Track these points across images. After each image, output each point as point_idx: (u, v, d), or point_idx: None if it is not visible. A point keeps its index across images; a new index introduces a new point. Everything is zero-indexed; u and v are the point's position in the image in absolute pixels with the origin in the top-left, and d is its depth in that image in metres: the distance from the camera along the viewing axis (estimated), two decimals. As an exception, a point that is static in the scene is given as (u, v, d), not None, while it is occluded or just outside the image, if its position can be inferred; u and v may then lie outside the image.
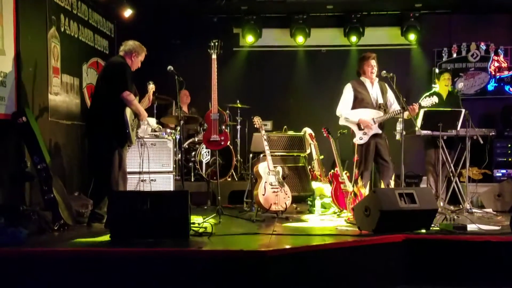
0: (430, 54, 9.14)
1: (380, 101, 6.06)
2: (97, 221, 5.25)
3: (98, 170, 5.35)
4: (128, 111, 5.16)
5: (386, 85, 6.10)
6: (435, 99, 5.85)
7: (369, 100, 6.04)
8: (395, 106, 6.11)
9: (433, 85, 8.71)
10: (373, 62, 6.05)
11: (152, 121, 6.98)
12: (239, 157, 8.10)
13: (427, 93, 7.10)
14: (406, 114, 5.69)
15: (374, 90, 6.09)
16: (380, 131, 5.96)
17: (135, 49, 5.39)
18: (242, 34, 9.13)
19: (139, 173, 6.48)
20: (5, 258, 3.94)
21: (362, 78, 6.14)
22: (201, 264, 3.93)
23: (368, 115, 5.94)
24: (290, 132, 7.65)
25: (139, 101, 5.47)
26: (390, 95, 6.14)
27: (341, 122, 6.13)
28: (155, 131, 6.85)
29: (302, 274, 4.09)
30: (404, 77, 8.44)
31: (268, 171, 5.93)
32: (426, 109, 6.04)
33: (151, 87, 5.72)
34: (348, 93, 6.11)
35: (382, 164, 6.00)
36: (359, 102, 6.04)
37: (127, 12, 7.99)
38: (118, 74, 5.17)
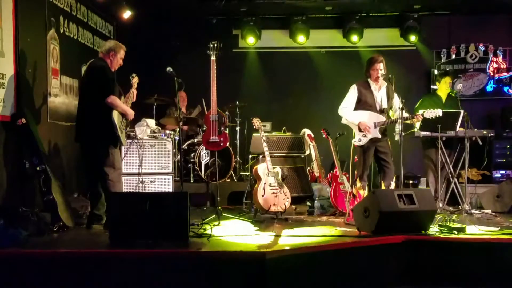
0: (429, 55, 9.16)
1: (385, 105, 6.03)
2: (96, 222, 5.25)
3: (93, 172, 5.35)
4: (115, 114, 5.17)
5: (393, 89, 6.03)
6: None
7: (373, 104, 6.01)
8: (399, 113, 6.06)
9: (432, 86, 8.74)
10: (380, 66, 5.93)
11: (151, 122, 6.98)
12: (238, 158, 8.10)
13: (426, 96, 7.11)
14: (405, 116, 5.68)
15: (379, 93, 6.06)
16: (379, 136, 5.94)
17: (112, 47, 5.37)
18: (242, 35, 9.13)
19: (138, 174, 6.49)
20: (5, 259, 3.95)
21: (369, 81, 6.10)
22: (200, 266, 3.93)
23: (369, 118, 5.93)
24: (289, 133, 7.65)
25: (125, 96, 5.49)
26: (396, 100, 6.09)
27: (343, 121, 6.13)
28: (154, 132, 6.85)
29: (301, 275, 4.10)
30: (403, 78, 8.44)
31: (267, 172, 5.94)
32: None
33: (135, 80, 5.65)
34: (352, 94, 6.08)
35: (384, 166, 6.00)
36: (363, 104, 6.02)
37: (127, 14, 7.99)
38: (99, 79, 5.16)
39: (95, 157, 5.23)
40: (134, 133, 6.50)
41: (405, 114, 5.69)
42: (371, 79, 6.05)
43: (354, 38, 8.95)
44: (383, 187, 5.83)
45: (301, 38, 9.00)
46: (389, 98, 6.07)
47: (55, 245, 4.48)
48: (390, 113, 6.13)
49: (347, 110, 6.02)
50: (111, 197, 4.76)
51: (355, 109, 6.04)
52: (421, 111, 5.91)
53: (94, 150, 5.23)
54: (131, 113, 5.41)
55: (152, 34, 8.82)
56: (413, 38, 8.90)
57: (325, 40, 9.38)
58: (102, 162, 5.16)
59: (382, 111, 6.01)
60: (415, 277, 4.47)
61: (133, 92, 5.59)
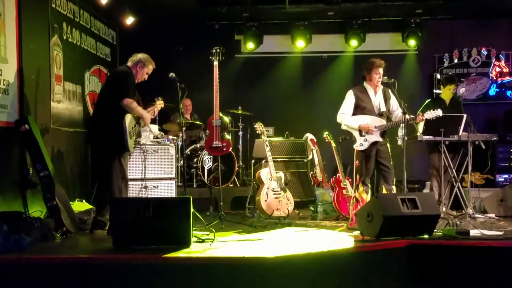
0: (431, 59, 9.16)
1: (383, 108, 6.04)
2: (99, 228, 5.26)
3: (100, 177, 5.37)
4: (127, 118, 5.16)
5: (390, 91, 6.05)
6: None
7: (371, 108, 6.02)
8: (398, 113, 6.07)
9: (434, 90, 8.74)
10: (381, 70, 5.99)
11: (155, 128, 7.00)
12: (241, 163, 8.11)
13: (430, 100, 7.11)
14: (407, 119, 5.68)
15: (377, 97, 6.07)
16: (381, 139, 5.94)
17: (142, 60, 5.41)
18: (244, 40, 9.15)
19: (142, 179, 6.49)
20: (8, 265, 3.95)
21: (366, 85, 6.09)
22: (203, 271, 3.93)
23: (369, 122, 5.93)
24: (292, 138, 7.65)
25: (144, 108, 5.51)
26: (394, 101, 6.09)
27: (343, 127, 6.15)
28: (157, 137, 6.86)
29: (304, 280, 4.08)
30: (405, 82, 8.47)
31: (270, 177, 5.94)
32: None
33: (160, 103, 5.74)
34: (349, 99, 6.09)
35: (383, 170, 6.00)
36: (361, 109, 6.03)
37: (129, 20, 8.04)
38: (119, 81, 5.20)
39: (103, 161, 5.24)
40: (137, 139, 6.51)
41: (407, 117, 5.69)
42: (370, 83, 6.04)
43: (356, 43, 8.96)
44: (384, 191, 5.83)
45: (303, 43, 9.02)
46: (386, 100, 6.08)
47: (58, 251, 4.49)
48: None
49: (346, 116, 6.03)
50: (114, 203, 4.76)
51: (354, 114, 6.04)
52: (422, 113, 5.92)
53: (102, 153, 5.25)
54: (147, 117, 5.41)
55: (155, 40, 8.84)
56: (415, 42, 8.91)
57: (327, 45, 9.40)
58: (109, 167, 5.16)
59: (381, 114, 6.02)
60: (418, 281, 4.45)
61: (154, 111, 5.63)
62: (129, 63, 5.44)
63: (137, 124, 5.38)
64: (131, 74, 5.32)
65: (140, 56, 5.45)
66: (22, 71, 5.46)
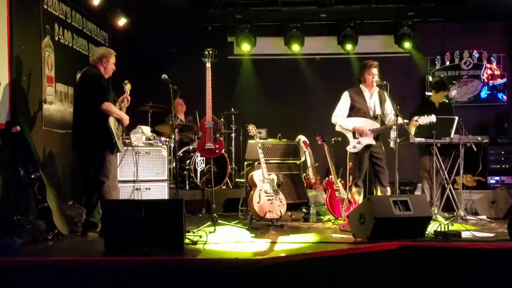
0: (423, 62, 9.21)
1: (378, 111, 6.05)
2: (91, 229, 5.24)
3: (90, 179, 5.34)
4: (111, 121, 5.19)
5: (386, 94, 6.06)
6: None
7: (366, 110, 6.03)
8: (391, 117, 6.08)
9: (426, 93, 8.78)
10: (375, 71, 5.97)
11: (147, 129, 6.98)
12: (233, 165, 8.10)
13: (420, 104, 7.14)
14: (399, 121, 5.70)
15: (372, 100, 6.07)
16: (374, 142, 5.95)
17: (104, 54, 5.43)
18: (237, 42, 9.15)
19: (134, 181, 6.47)
20: (-1, 268, 3.93)
21: (362, 87, 6.10)
22: (196, 273, 3.92)
23: (364, 124, 5.94)
24: (285, 140, 7.66)
25: (118, 101, 5.53)
26: (388, 105, 6.10)
27: (337, 128, 6.14)
28: (149, 139, 6.84)
29: (297, 282, 4.09)
30: (398, 85, 8.46)
31: (262, 179, 5.93)
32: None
33: (128, 87, 5.70)
34: (345, 101, 6.09)
35: (378, 171, 6.00)
36: (356, 111, 6.03)
37: (121, 21, 8.01)
38: (94, 87, 5.20)
39: (92, 165, 5.23)
40: (129, 140, 6.49)
41: (401, 121, 5.70)
42: (365, 84, 6.06)
43: (349, 45, 9.00)
44: (379, 192, 5.84)
45: (296, 46, 9.04)
46: (382, 103, 6.09)
47: (50, 253, 4.47)
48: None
49: (341, 117, 6.03)
50: (106, 205, 4.74)
51: (349, 116, 6.05)
52: (415, 118, 5.93)
53: (91, 158, 5.24)
54: (126, 119, 5.43)
55: (147, 42, 8.84)
56: (407, 45, 8.96)
57: (320, 47, 9.43)
58: (99, 170, 5.17)
59: (375, 117, 6.03)
60: (410, 283, 4.46)
61: (127, 98, 5.62)
62: (92, 62, 5.44)
63: (120, 125, 5.40)
64: (101, 75, 5.34)
65: (100, 51, 5.49)
66: (13, 72, 5.43)
